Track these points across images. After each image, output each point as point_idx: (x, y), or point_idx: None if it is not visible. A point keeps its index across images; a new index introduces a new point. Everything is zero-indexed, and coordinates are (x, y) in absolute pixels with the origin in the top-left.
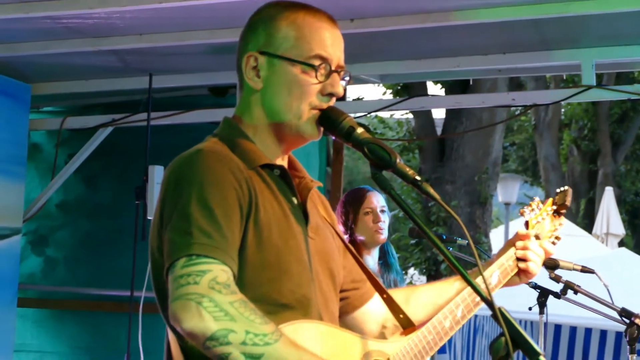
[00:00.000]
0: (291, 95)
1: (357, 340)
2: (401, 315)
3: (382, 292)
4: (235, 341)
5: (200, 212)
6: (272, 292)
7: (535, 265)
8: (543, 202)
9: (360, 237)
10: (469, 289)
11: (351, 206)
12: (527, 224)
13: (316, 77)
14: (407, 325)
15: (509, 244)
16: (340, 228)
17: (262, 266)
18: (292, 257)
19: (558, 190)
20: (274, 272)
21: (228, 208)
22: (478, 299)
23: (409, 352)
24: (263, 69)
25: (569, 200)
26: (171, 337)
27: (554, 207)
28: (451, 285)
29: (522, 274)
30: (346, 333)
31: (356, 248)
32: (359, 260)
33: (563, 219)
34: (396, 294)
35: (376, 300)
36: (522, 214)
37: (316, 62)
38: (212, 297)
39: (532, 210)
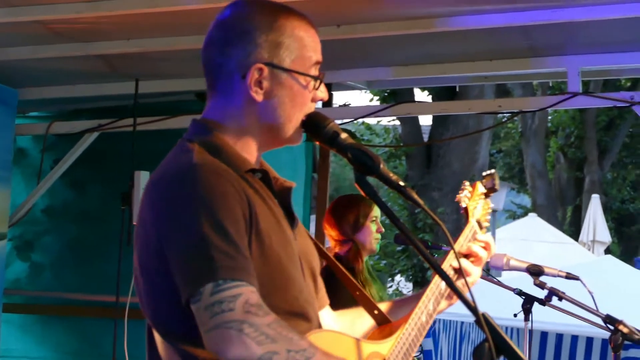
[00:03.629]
0: (294, 106)
1: (357, 344)
2: (375, 312)
3: (354, 289)
4: None
5: (216, 234)
6: (280, 302)
7: (484, 252)
8: (472, 186)
9: (361, 241)
10: (434, 282)
11: (362, 210)
12: (466, 210)
13: (314, 86)
14: (381, 322)
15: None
16: (332, 228)
17: (268, 276)
18: (290, 263)
19: (484, 174)
20: (278, 281)
21: (237, 224)
22: (444, 290)
23: (400, 350)
24: (266, 80)
25: (497, 184)
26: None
27: (484, 191)
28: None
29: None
30: (347, 337)
31: (356, 250)
32: (331, 260)
33: (490, 203)
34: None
35: (326, 311)
36: (458, 200)
37: (315, 72)
38: (251, 321)
39: (467, 196)
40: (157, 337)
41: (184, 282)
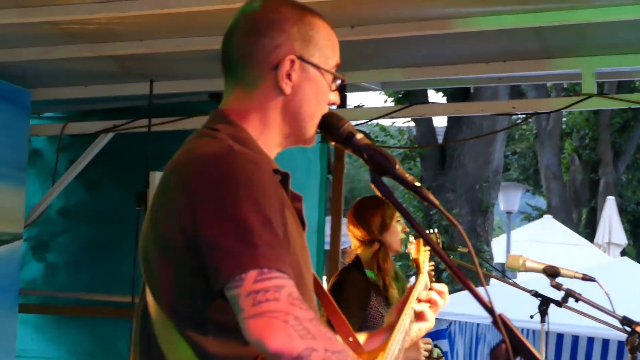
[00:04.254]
0: (318, 103)
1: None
2: (350, 339)
3: (333, 312)
4: None
5: (259, 221)
6: None
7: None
8: (417, 240)
9: (388, 242)
10: (401, 319)
11: (387, 211)
12: (417, 262)
13: (331, 88)
14: (355, 350)
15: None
16: (357, 229)
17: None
18: (307, 270)
19: (428, 232)
20: (299, 285)
21: (277, 217)
22: (408, 327)
23: None
24: (295, 73)
25: (440, 242)
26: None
27: (428, 248)
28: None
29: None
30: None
31: (384, 251)
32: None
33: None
34: None
35: None
36: (409, 252)
37: (336, 72)
38: (295, 314)
39: (417, 250)
40: (159, 327)
41: (223, 266)
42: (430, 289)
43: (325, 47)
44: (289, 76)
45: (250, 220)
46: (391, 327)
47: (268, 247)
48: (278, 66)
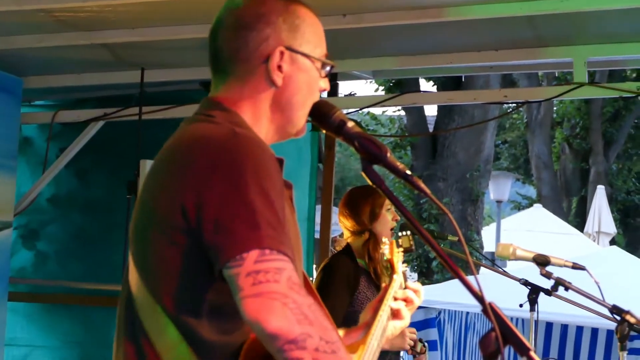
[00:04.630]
0: (310, 92)
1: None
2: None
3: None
4: (310, 347)
5: (264, 203)
6: None
7: (407, 312)
8: (390, 243)
9: (378, 231)
10: (378, 315)
11: (376, 200)
12: (391, 262)
13: (321, 75)
14: None
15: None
16: (347, 219)
17: None
18: (298, 257)
19: (400, 234)
20: None
21: (280, 199)
22: (385, 324)
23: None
24: (286, 64)
25: (413, 245)
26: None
27: (402, 249)
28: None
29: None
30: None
31: (375, 240)
32: None
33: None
34: None
35: None
36: (382, 253)
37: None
38: (294, 298)
39: (391, 251)
40: (146, 312)
41: (225, 244)
42: (406, 287)
43: (311, 34)
44: (279, 68)
45: (255, 201)
46: (368, 325)
47: (271, 228)
48: (268, 59)
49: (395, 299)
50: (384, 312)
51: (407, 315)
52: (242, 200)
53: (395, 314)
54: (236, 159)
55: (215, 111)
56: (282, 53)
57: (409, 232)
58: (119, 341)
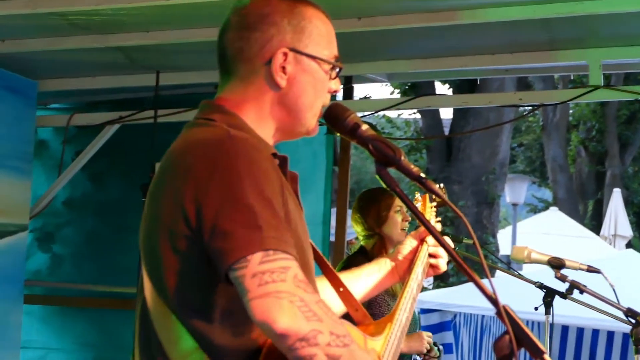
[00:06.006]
0: (316, 94)
1: (364, 340)
2: (357, 310)
3: (338, 285)
4: (322, 342)
5: (262, 204)
6: None
7: (444, 262)
8: (423, 199)
9: (387, 234)
10: (413, 276)
11: (383, 203)
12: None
13: (331, 76)
14: (362, 321)
15: (415, 237)
16: (356, 224)
17: None
18: (308, 250)
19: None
20: (301, 265)
21: (279, 200)
22: (416, 293)
23: (391, 350)
24: (290, 65)
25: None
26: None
27: (434, 204)
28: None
29: (430, 270)
30: (357, 332)
31: (383, 243)
32: (318, 255)
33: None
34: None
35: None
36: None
37: (336, 61)
38: (302, 296)
39: (423, 208)
40: (159, 321)
41: (228, 248)
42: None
43: (318, 35)
44: (283, 69)
45: (253, 203)
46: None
47: (273, 229)
48: (271, 60)
49: (431, 255)
50: (414, 280)
51: (444, 265)
52: (241, 203)
53: (434, 267)
54: (232, 162)
55: (215, 114)
56: (285, 54)
57: (442, 185)
58: (136, 351)
